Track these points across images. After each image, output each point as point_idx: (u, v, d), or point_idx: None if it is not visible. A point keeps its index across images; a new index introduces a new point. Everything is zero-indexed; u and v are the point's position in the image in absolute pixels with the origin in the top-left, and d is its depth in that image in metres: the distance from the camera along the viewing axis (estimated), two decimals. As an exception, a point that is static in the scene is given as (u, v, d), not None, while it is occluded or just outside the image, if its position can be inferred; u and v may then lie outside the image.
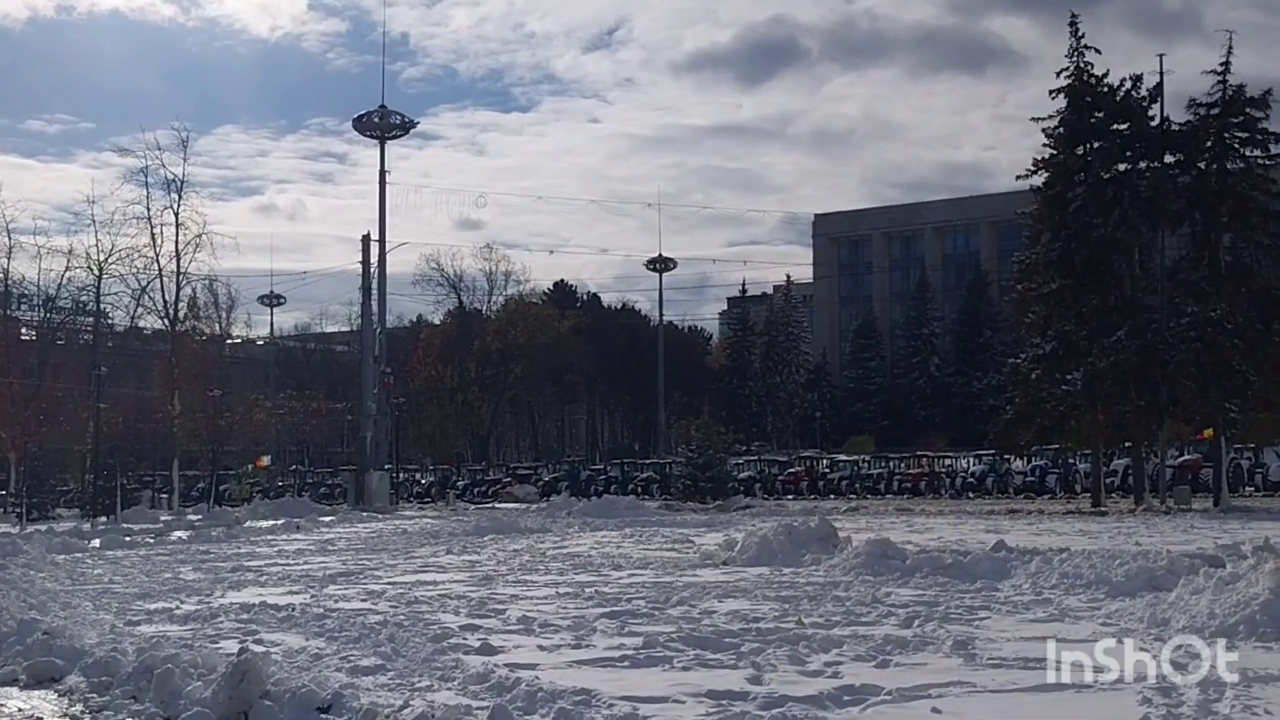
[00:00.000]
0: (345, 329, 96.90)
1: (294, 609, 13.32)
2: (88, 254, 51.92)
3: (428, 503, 61.22)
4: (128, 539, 29.88)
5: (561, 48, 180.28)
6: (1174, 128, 39.29)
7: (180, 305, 52.99)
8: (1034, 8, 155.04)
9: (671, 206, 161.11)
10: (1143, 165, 40.20)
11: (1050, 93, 40.24)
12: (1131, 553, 15.15)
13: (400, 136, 63.04)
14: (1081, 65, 39.78)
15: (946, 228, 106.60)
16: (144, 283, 52.21)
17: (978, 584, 14.32)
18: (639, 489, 56.72)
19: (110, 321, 58.38)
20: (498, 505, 52.39)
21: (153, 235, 50.81)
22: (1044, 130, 40.16)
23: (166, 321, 52.81)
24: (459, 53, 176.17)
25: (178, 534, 32.69)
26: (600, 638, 10.79)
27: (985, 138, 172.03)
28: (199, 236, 50.90)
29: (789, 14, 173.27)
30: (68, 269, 53.18)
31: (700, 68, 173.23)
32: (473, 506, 52.72)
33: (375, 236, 58.93)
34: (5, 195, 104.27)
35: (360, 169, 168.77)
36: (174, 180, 50.96)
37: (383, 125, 61.01)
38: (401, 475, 65.49)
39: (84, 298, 55.49)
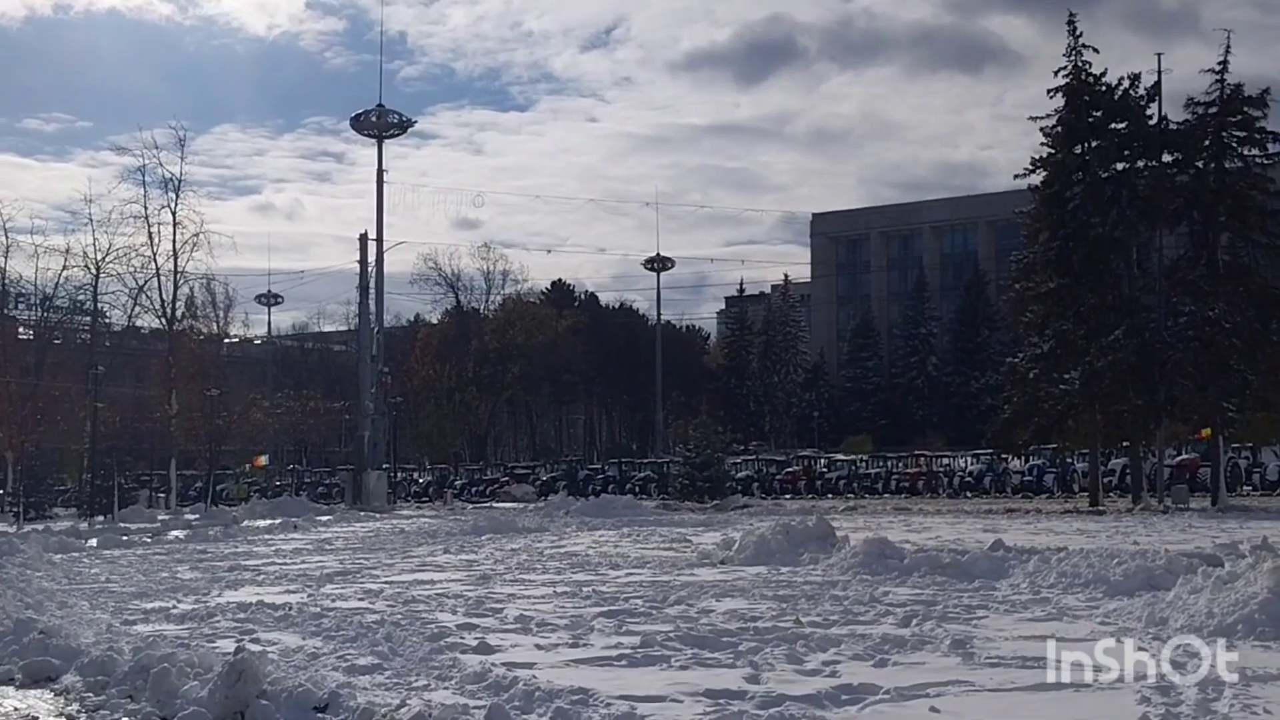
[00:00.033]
0: (343, 328, 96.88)
1: (291, 608, 13.30)
2: (85, 253, 51.99)
3: (425, 502, 61.20)
4: (125, 538, 29.85)
5: (559, 47, 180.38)
6: (1172, 127, 39.33)
7: (177, 304, 53.06)
8: (1031, 7, 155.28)
9: (669, 206, 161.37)
10: (1141, 164, 40.23)
11: (1048, 92, 40.30)
12: (1129, 552, 15.14)
13: (398, 135, 63.02)
14: (1079, 64, 39.79)
15: (944, 227, 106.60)
16: (141, 282, 52.27)
17: (975, 583, 14.31)
18: (636, 488, 56.72)
19: (107, 321, 58.38)
20: (495, 505, 52.38)
21: (150, 234, 50.88)
22: (1042, 129, 40.21)
23: (164, 321, 52.82)
24: (456, 52, 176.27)
25: (175, 533, 32.66)
26: (598, 637, 10.77)
27: (983, 137, 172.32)
28: (196, 235, 50.97)
29: (787, 13, 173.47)
30: (65, 268, 53.26)
31: (698, 67, 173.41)
32: (470, 506, 52.71)
33: (373, 236, 58.92)
34: (2, 194, 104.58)
35: (358, 168, 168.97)
36: (171, 179, 51.03)
37: (380, 124, 60.96)
38: (399, 475, 65.48)
39: (81, 297, 55.53)
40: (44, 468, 53.07)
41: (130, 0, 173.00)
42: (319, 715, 7.60)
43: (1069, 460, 47.41)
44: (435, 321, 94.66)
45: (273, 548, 26.17)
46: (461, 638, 10.68)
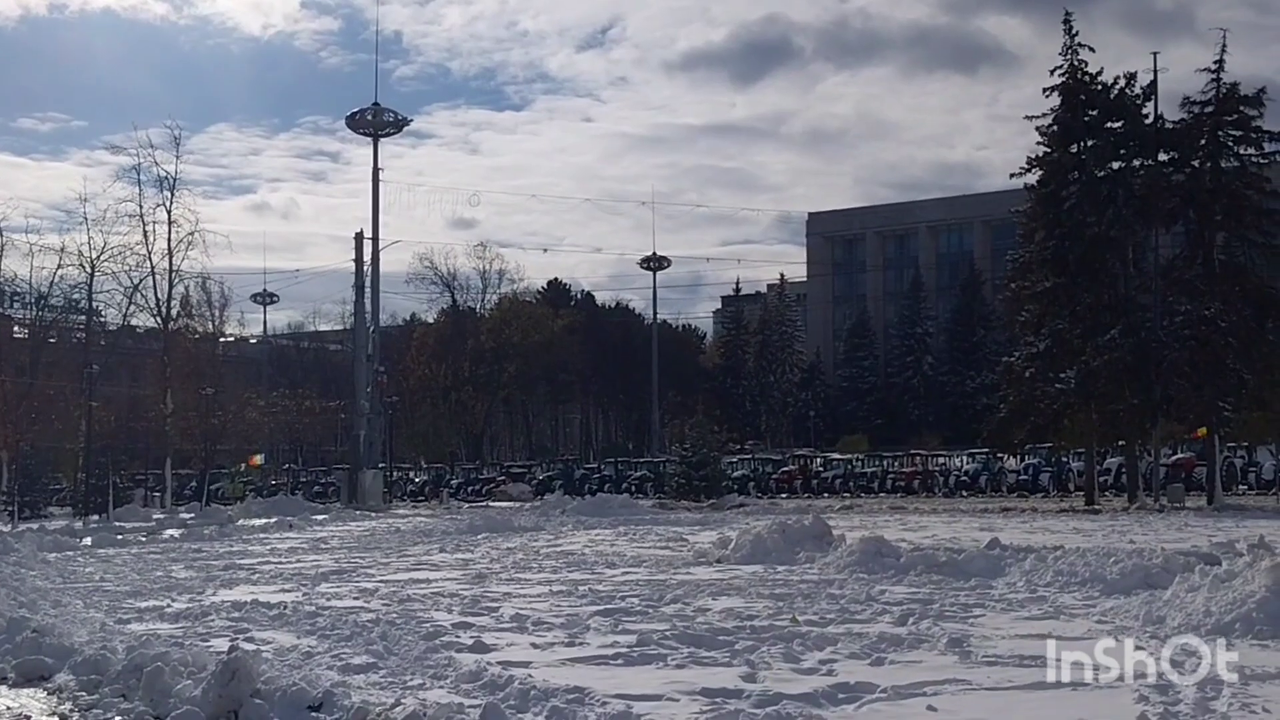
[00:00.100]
0: (338, 327, 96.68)
1: (286, 607, 13.26)
2: (80, 252, 51.85)
3: (421, 501, 61.14)
4: (120, 537, 29.81)
5: (555, 46, 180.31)
6: (1168, 126, 39.37)
7: (173, 303, 52.98)
8: (1026, 7, 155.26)
9: (665, 205, 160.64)
10: (1137, 163, 40.24)
11: (1044, 90, 40.31)
12: (1126, 550, 15.14)
13: (393, 134, 62.94)
14: (1075, 63, 39.80)
15: (940, 227, 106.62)
16: (136, 281, 52.20)
17: (972, 582, 14.29)
18: (633, 488, 56.68)
19: (102, 320, 58.21)
20: (491, 504, 52.32)
21: (145, 233, 50.82)
22: (1038, 128, 40.21)
23: (159, 320, 52.72)
24: (452, 51, 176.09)
25: (170, 532, 32.60)
26: (594, 636, 10.74)
27: (978, 137, 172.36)
28: (191, 234, 50.93)
29: (782, 13, 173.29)
30: (60, 267, 53.09)
31: (694, 67, 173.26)
32: (466, 505, 52.65)
33: (368, 235, 58.81)
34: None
35: (353, 168, 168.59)
36: (166, 178, 50.97)
37: (376, 123, 60.87)
38: (395, 474, 65.40)
39: (76, 296, 55.37)
40: (39, 467, 52.92)
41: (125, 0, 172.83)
42: (313, 714, 7.56)
43: (1065, 459, 47.43)
44: (431, 321, 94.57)
45: (268, 547, 26.12)
46: (457, 636, 10.64)
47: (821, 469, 58.65)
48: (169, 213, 50.63)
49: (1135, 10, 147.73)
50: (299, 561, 21.26)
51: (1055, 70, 40.05)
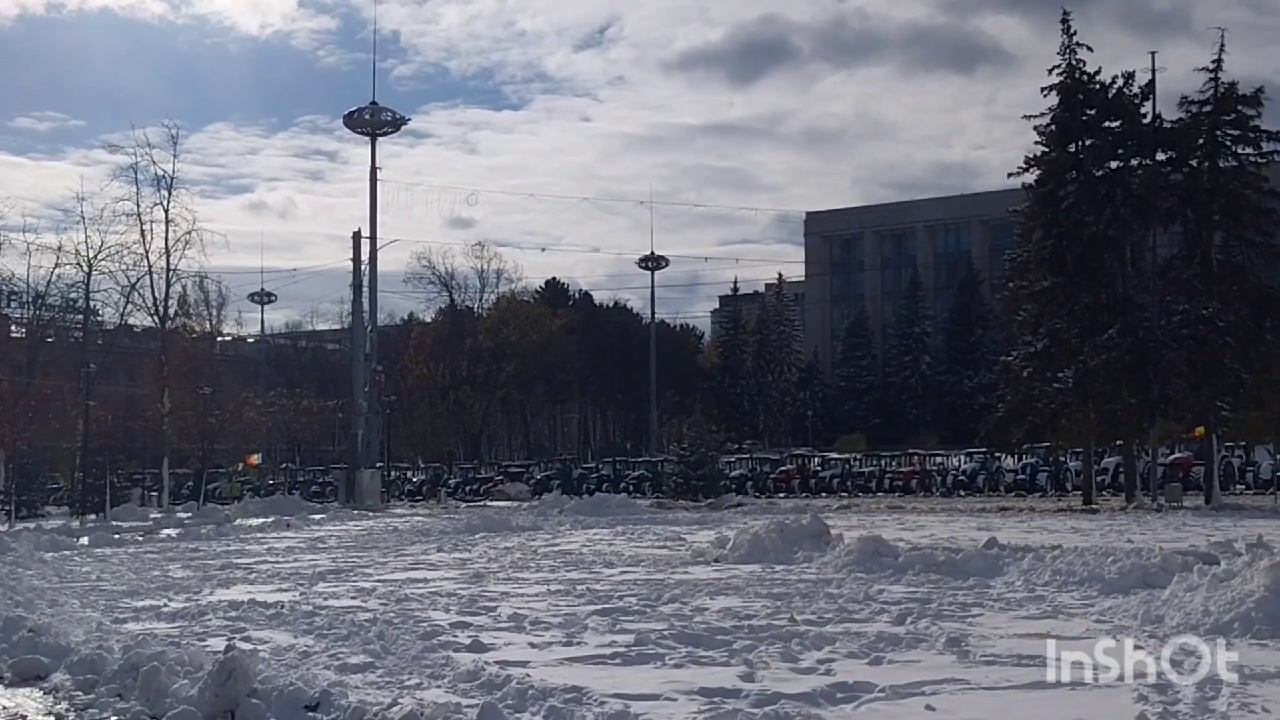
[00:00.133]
0: (336, 327, 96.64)
1: (283, 606, 13.24)
2: (77, 251, 51.77)
3: (419, 501, 61.07)
4: (116, 537, 29.77)
5: (553, 46, 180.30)
6: (1166, 125, 39.33)
7: (170, 302, 52.95)
8: (1024, 7, 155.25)
9: (663, 205, 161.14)
10: (1135, 163, 40.20)
11: (1042, 90, 40.27)
12: (1124, 550, 15.12)
13: (391, 133, 62.88)
14: (1073, 62, 39.76)
15: (938, 226, 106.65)
16: (134, 280, 52.15)
17: (970, 581, 14.29)
18: (631, 487, 56.64)
19: (100, 319, 58.13)
20: (489, 503, 52.29)
21: (142, 232, 50.79)
22: (1036, 128, 40.16)
23: (156, 319, 52.69)
24: (450, 51, 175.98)
25: (167, 532, 32.57)
26: (592, 635, 10.72)
27: (976, 137, 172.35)
28: (189, 233, 50.89)
29: (780, 13, 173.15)
30: (57, 266, 52.99)
31: (691, 66, 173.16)
32: (464, 504, 52.59)
33: (366, 234, 58.78)
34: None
35: (351, 167, 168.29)
36: (164, 177, 50.94)
37: (374, 122, 60.83)
38: (392, 473, 65.35)
39: (73, 295, 55.27)
40: (36, 466, 52.85)
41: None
42: (310, 714, 7.54)
43: (1062, 459, 47.41)
44: (429, 320, 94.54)
45: (265, 546, 26.09)
46: (454, 636, 10.63)
47: (819, 468, 58.61)
48: (166, 212, 50.64)
49: (1133, 10, 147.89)
50: (296, 561, 21.23)
51: (1053, 70, 40.05)
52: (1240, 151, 38.47)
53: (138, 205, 50.66)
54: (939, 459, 55.34)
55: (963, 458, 53.42)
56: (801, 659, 9.19)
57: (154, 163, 50.74)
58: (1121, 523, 27.61)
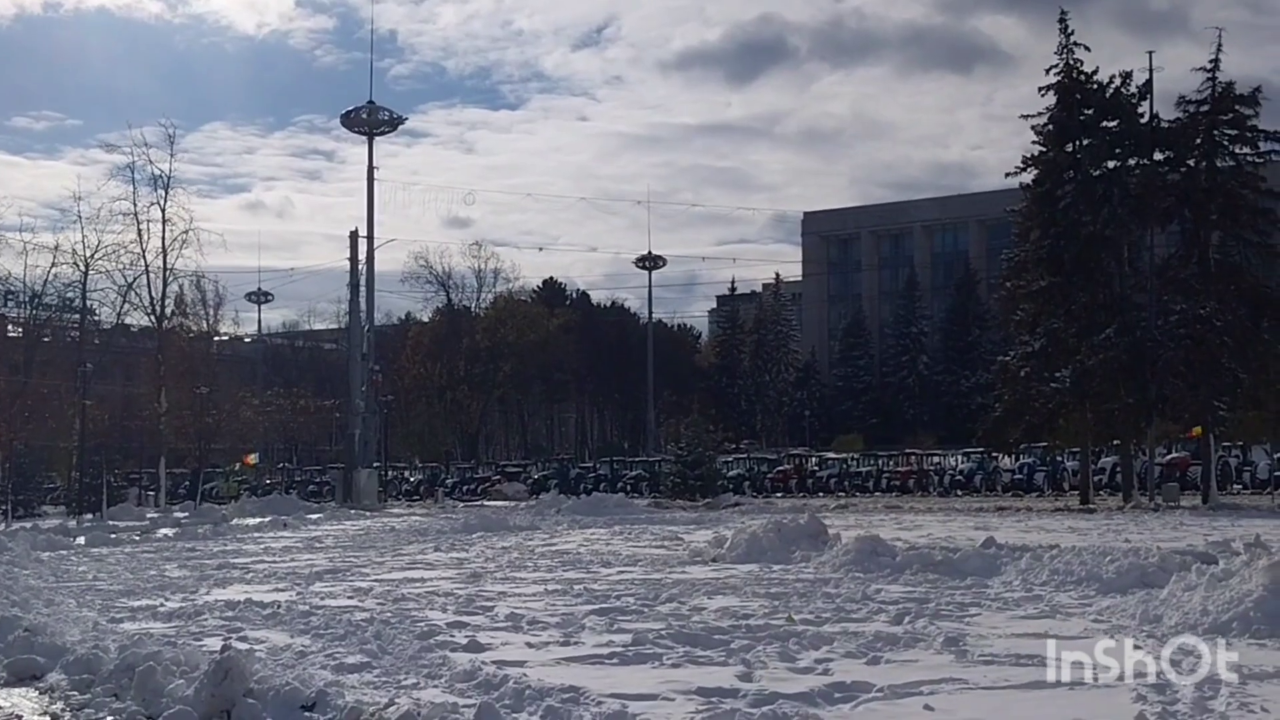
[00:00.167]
0: (333, 326, 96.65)
1: (279, 606, 13.20)
2: (74, 250, 51.58)
3: (416, 500, 61.01)
4: (113, 536, 29.72)
5: (550, 46, 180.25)
6: (1164, 125, 39.32)
7: (167, 302, 52.77)
8: (1022, 7, 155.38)
9: (661, 205, 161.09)
10: (1132, 162, 40.20)
11: (1040, 89, 40.27)
12: (1122, 549, 15.12)
13: (388, 133, 62.87)
14: (1071, 62, 39.76)
15: (935, 226, 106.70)
16: (130, 279, 51.97)
17: (968, 581, 14.28)
18: (628, 487, 56.60)
19: (96, 318, 57.98)
20: (486, 503, 52.25)
21: (139, 231, 50.60)
22: (1033, 127, 40.15)
23: (153, 318, 52.55)
24: (447, 50, 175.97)
25: (164, 531, 32.53)
26: (589, 635, 10.70)
27: (973, 137, 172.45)
28: (186, 233, 50.68)
29: (777, 13, 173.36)
30: (54, 265, 52.79)
31: (689, 66, 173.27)
32: (461, 504, 52.56)
33: (363, 233, 58.74)
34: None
35: (348, 166, 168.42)
36: (161, 177, 50.73)
37: (371, 121, 60.80)
38: (390, 473, 65.30)
39: (70, 294, 55.11)
40: (32, 465, 52.77)
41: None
42: (306, 714, 7.51)
43: (1059, 459, 47.40)
44: (426, 320, 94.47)
45: (262, 546, 26.06)
46: (451, 636, 10.60)
47: (816, 468, 58.59)
48: (163, 211, 50.44)
49: (1130, 10, 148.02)
50: (293, 561, 21.20)
51: (1051, 69, 40.05)
52: (1238, 151, 38.48)
53: (134, 205, 50.53)
54: (936, 459, 55.34)
55: (960, 457, 53.41)
56: (799, 659, 9.17)
57: (151, 162, 50.60)
58: (1119, 522, 27.61)
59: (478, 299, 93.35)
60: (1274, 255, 39.53)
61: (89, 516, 42.74)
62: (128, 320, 56.60)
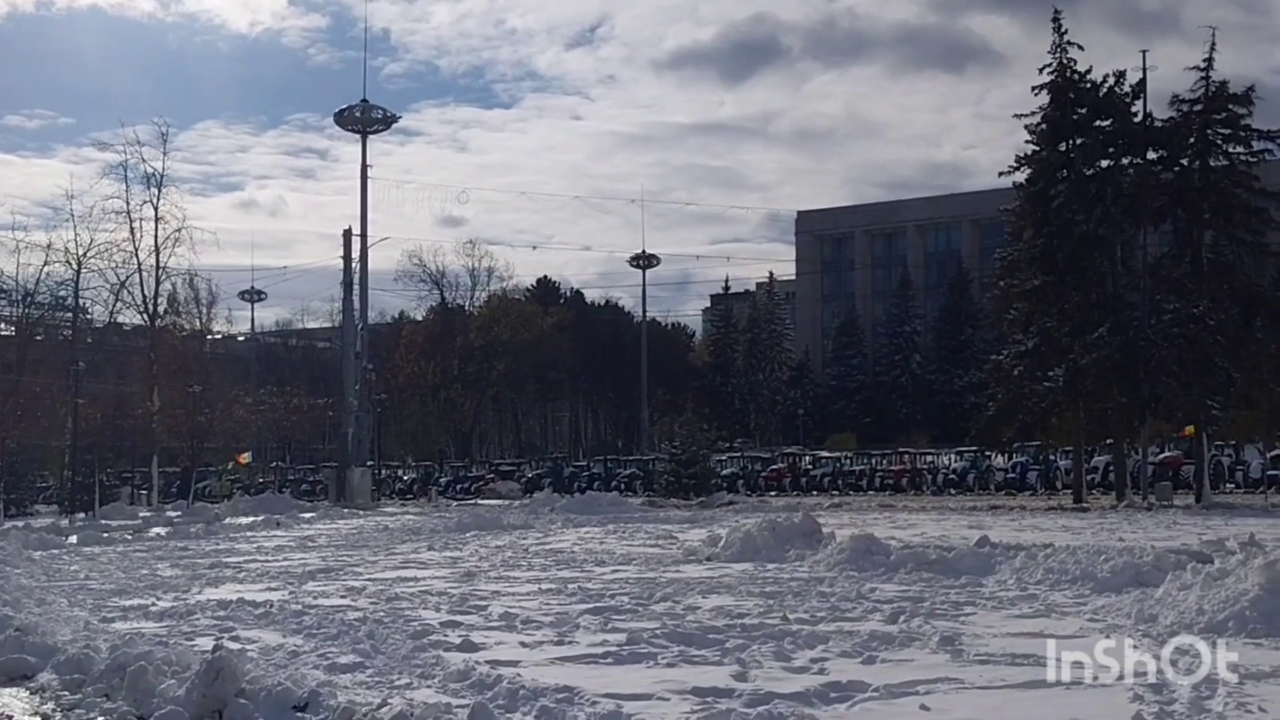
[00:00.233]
0: (327, 325, 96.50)
1: (272, 606, 13.14)
2: (66, 249, 51.43)
3: (410, 499, 60.97)
4: (106, 535, 29.64)
5: (543, 45, 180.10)
6: (1157, 124, 39.37)
7: (160, 300, 52.69)
8: (1014, 7, 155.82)
9: (654, 203, 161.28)
10: (1125, 161, 40.28)
11: (1033, 89, 40.32)
12: (1116, 548, 15.10)
13: (382, 131, 62.81)
14: (1064, 61, 39.81)
15: (928, 226, 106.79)
16: (123, 278, 51.87)
17: (962, 579, 14.25)
18: (622, 485, 56.60)
19: (89, 317, 57.91)
20: (480, 502, 52.19)
21: (132, 230, 50.53)
22: (1027, 126, 40.21)
23: (146, 317, 52.47)
24: (440, 49, 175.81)
25: (156, 530, 32.43)
26: (583, 634, 10.65)
27: (966, 136, 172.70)
28: (178, 231, 50.67)
29: (770, 12, 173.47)
30: (46, 264, 52.63)
31: (682, 65, 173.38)
32: (455, 503, 52.49)
33: (357, 231, 58.64)
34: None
35: (341, 165, 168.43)
36: (153, 175, 50.71)
37: (364, 120, 60.72)
38: (383, 472, 65.22)
39: (63, 293, 54.94)
40: (25, 464, 52.69)
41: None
42: (298, 714, 7.46)
43: (1052, 457, 47.45)
44: (420, 318, 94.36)
45: (254, 545, 25.98)
46: (445, 635, 10.55)
47: (810, 467, 58.64)
48: (156, 210, 50.43)
49: (1123, 9, 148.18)
50: (286, 560, 21.14)
51: (1044, 69, 40.08)
52: (1231, 150, 38.54)
53: (127, 203, 50.49)
54: (929, 458, 55.42)
55: (953, 456, 53.47)
56: (795, 658, 9.13)
57: (144, 160, 50.58)
58: (1112, 521, 27.62)
59: (471, 298, 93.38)
60: (1267, 254, 39.63)
61: (81, 515, 42.62)
62: (120, 319, 56.55)
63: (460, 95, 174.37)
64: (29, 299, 55.26)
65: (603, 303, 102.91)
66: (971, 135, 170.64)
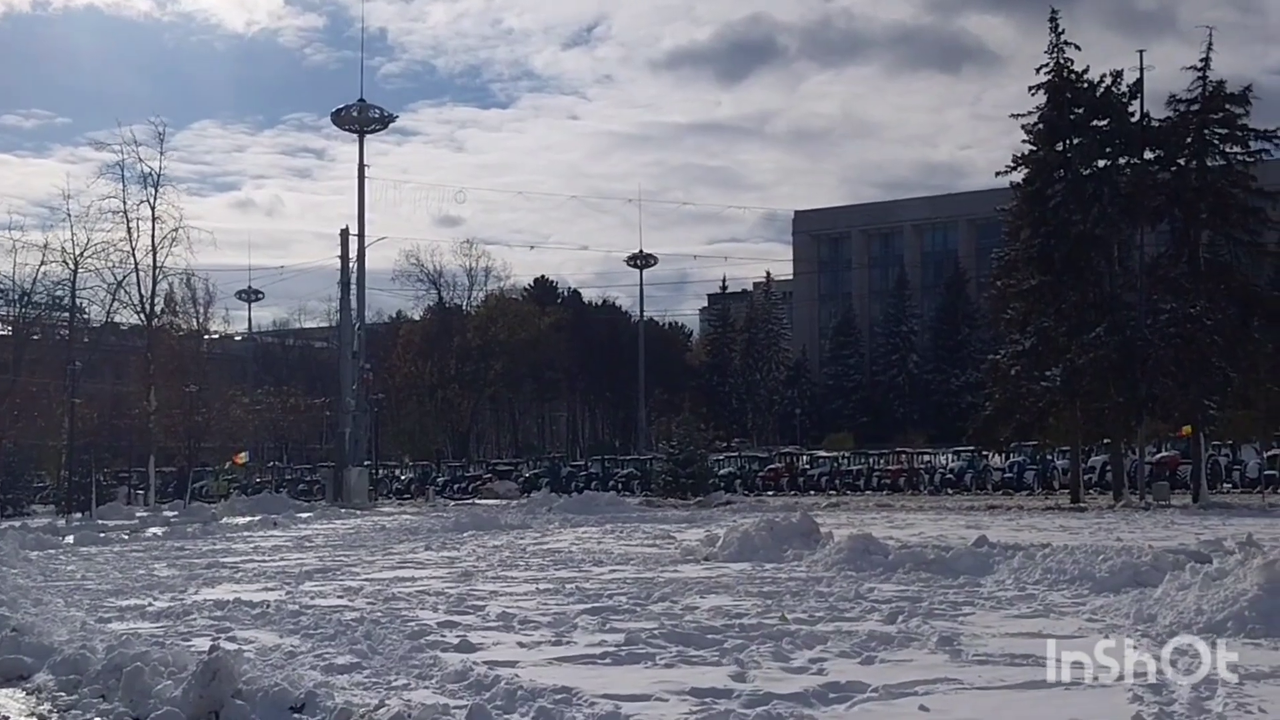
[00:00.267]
0: (324, 325, 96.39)
1: (269, 606, 13.12)
2: (63, 248, 51.43)
3: (407, 499, 60.92)
4: (102, 535, 29.57)
5: (540, 44, 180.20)
6: (1154, 124, 39.40)
7: (156, 300, 52.66)
8: (1009, 7, 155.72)
9: (651, 203, 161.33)
10: (1122, 161, 40.29)
11: (1030, 89, 40.31)
12: (1114, 548, 15.09)
13: (379, 131, 62.72)
14: (1061, 61, 39.80)
15: (925, 225, 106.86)
16: (120, 277, 51.87)
17: (960, 579, 14.23)
18: (620, 485, 56.59)
19: (86, 316, 57.84)
20: (478, 502, 52.15)
21: (129, 230, 50.54)
22: (1023, 126, 40.20)
23: (143, 316, 52.42)
24: (437, 49, 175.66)
25: (153, 530, 32.37)
26: (581, 634, 10.63)
27: (962, 136, 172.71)
28: (175, 231, 50.68)
29: (767, 12, 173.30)
30: (43, 263, 52.62)
31: (679, 65, 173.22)
32: (452, 503, 52.44)
33: (354, 231, 58.59)
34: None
35: (338, 165, 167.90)
36: (150, 175, 50.70)
37: (361, 119, 60.65)
38: (381, 472, 65.19)
39: (59, 292, 54.93)
40: (21, 464, 52.53)
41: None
42: (295, 715, 7.44)
43: (1049, 457, 47.47)
44: (417, 318, 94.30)
45: (252, 545, 25.94)
46: (442, 636, 10.52)
47: (808, 466, 58.64)
48: (153, 209, 50.42)
49: (1119, 9, 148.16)
50: (283, 560, 21.10)
51: (1041, 69, 40.08)
52: (1228, 150, 38.56)
53: (124, 203, 50.48)
54: (926, 457, 55.43)
55: (950, 456, 53.48)
56: (793, 658, 9.11)
57: (140, 160, 50.57)
58: (1110, 521, 27.62)
59: (469, 297, 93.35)
60: (1264, 254, 39.68)
61: (78, 515, 42.57)
62: (117, 318, 56.51)
63: (457, 95, 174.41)
64: (25, 299, 55.24)
65: (600, 302, 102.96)
66: (968, 135, 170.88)
